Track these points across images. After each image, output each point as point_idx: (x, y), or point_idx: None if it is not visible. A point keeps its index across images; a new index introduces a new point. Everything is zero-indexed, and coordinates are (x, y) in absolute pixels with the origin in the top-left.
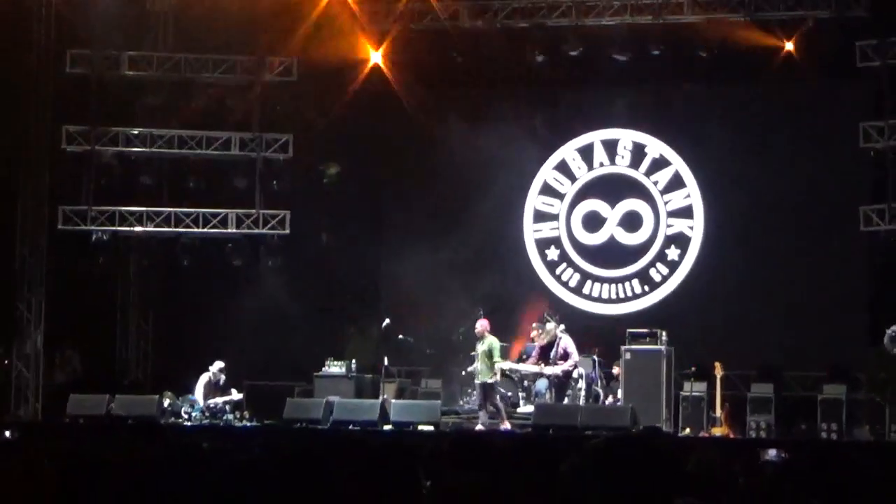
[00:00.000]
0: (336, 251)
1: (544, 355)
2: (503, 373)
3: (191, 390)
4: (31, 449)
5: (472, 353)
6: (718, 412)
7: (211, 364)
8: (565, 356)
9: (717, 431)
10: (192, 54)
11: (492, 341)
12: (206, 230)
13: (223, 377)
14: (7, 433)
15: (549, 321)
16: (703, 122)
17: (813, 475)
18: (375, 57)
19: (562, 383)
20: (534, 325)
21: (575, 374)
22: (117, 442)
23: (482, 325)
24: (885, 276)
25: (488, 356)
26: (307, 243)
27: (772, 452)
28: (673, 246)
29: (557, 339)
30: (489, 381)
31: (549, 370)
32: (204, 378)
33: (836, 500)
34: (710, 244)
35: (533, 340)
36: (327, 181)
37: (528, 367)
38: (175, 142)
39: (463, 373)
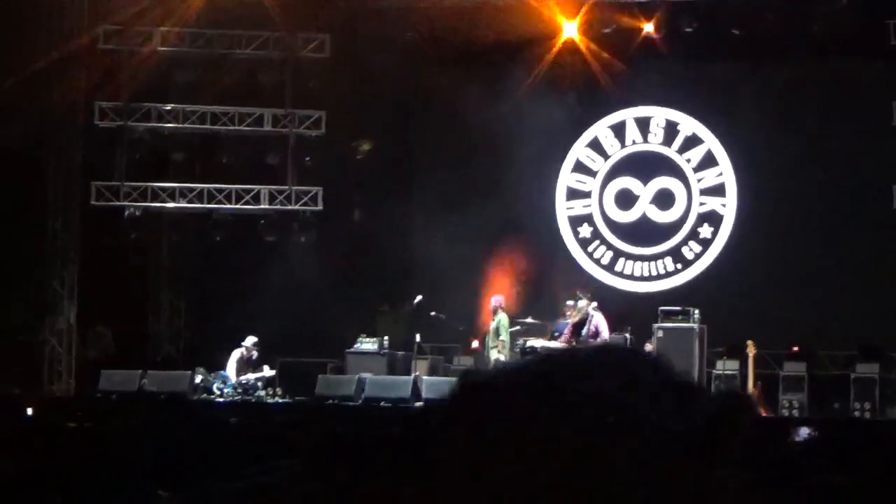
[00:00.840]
0: (368, 227)
1: (576, 333)
2: (535, 350)
3: (223, 366)
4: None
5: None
6: (751, 390)
7: (243, 339)
8: (596, 334)
9: None
10: (225, 30)
11: (501, 318)
12: (238, 206)
13: (256, 353)
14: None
15: (580, 298)
16: (737, 100)
17: (841, 451)
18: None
19: None
20: (568, 303)
21: None
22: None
23: (497, 300)
24: None
25: (496, 333)
26: (340, 219)
27: (802, 431)
28: (706, 224)
29: (589, 317)
30: (494, 357)
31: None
32: (236, 354)
33: (865, 476)
34: (742, 222)
35: (566, 318)
36: (360, 157)
37: (560, 345)
38: (207, 118)
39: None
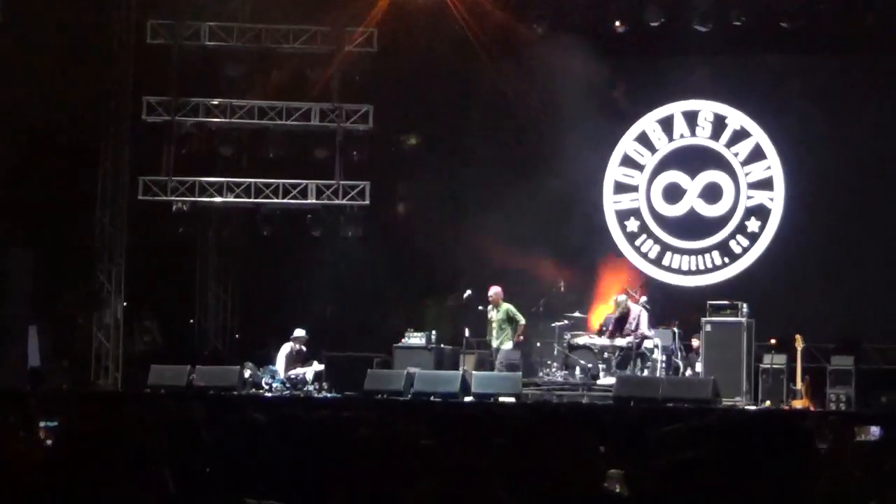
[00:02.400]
0: (416, 222)
1: (619, 327)
2: (581, 345)
3: (271, 360)
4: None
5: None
6: (799, 385)
7: (291, 334)
8: (636, 328)
9: (798, 404)
10: (273, 25)
11: (508, 307)
12: (285, 201)
13: (304, 347)
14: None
15: (629, 293)
16: (785, 94)
17: None
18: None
19: (625, 356)
20: (618, 298)
21: (650, 345)
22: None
23: (496, 292)
24: None
25: (509, 321)
26: (387, 214)
27: (873, 430)
28: (753, 218)
29: (636, 313)
30: (507, 347)
31: (619, 341)
32: (286, 348)
33: None
34: (790, 216)
35: (613, 313)
36: (406, 148)
37: (601, 340)
38: (255, 112)
39: (538, 344)
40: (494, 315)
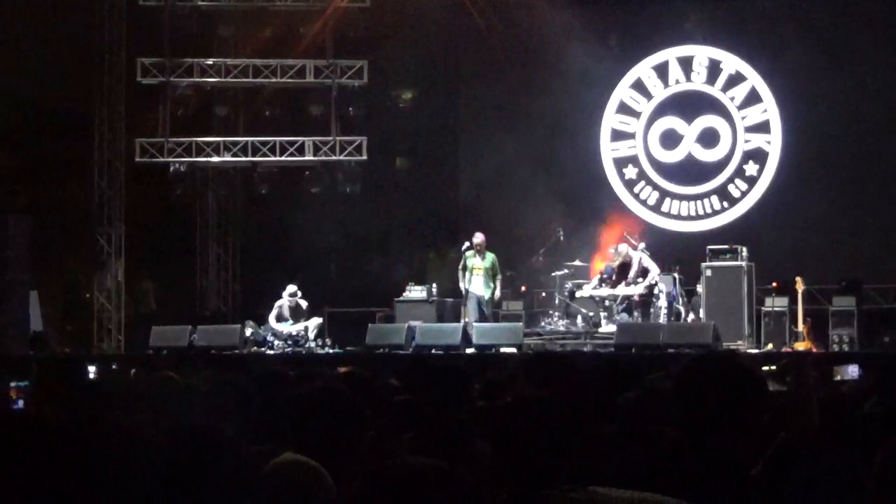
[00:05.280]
0: (414, 175)
1: (623, 275)
2: (586, 298)
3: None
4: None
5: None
6: (801, 327)
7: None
8: (644, 273)
9: (800, 346)
10: None
11: (494, 257)
12: (282, 159)
13: (300, 302)
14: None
15: (628, 240)
16: (779, 36)
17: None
18: None
19: (645, 301)
20: (619, 247)
21: (655, 291)
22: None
23: (483, 239)
24: None
25: (494, 271)
26: (384, 168)
27: (850, 370)
28: (751, 161)
29: (637, 259)
30: (489, 295)
31: (626, 290)
32: (277, 303)
33: None
34: (788, 158)
35: (613, 261)
36: (403, 105)
37: (603, 292)
38: (250, 71)
39: (543, 294)
40: (479, 262)
